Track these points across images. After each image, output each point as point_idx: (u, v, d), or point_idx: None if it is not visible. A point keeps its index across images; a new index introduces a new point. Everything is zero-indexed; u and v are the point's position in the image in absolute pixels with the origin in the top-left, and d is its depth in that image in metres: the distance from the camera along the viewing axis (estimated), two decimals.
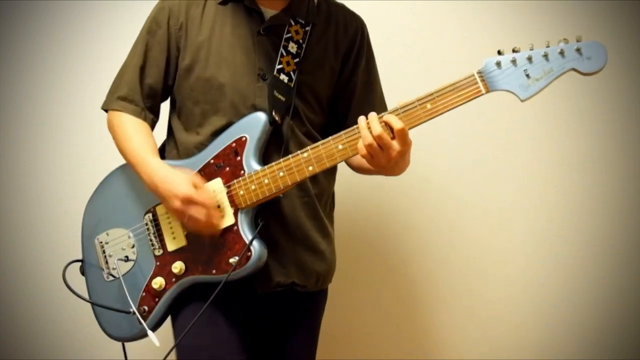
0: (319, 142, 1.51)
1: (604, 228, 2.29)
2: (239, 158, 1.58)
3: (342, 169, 1.83)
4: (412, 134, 2.04)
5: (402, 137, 1.42)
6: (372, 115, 1.44)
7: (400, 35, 2.29)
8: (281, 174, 1.53)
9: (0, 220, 2.36)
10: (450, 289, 2.35)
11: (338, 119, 1.73)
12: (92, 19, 2.31)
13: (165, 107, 1.77)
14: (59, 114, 2.34)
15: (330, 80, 1.70)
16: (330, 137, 1.50)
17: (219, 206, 1.56)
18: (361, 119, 1.45)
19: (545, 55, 1.34)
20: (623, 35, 2.23)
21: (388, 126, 1.42)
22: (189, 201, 1.50)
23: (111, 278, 1.70)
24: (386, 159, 1.44)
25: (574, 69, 1.33)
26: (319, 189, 1.70)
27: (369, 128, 1.43)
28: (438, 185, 2.33)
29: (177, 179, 1.52)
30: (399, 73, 2.19)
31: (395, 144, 1.43)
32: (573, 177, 2.29)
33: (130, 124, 1.67)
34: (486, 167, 2.32)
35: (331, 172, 1.76)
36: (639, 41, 2.24)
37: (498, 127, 2.31)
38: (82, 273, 1.78)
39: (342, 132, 1.49)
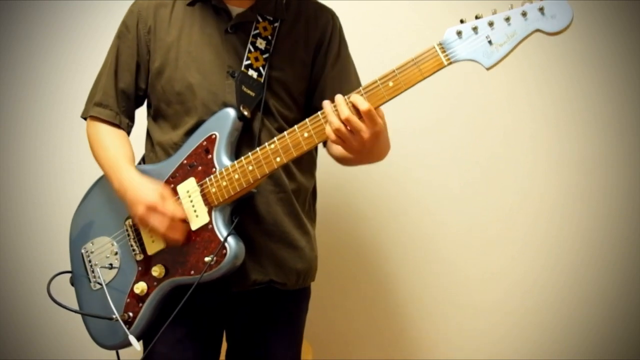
0: (285, 132, 1.41)
1: (604, 229, 2.18)
2: (210, 156, 1.50)
3: (327, 167, 1.73)
4: (407, 130, 1.94)
5: (370, 117, 1.28)
6: (339, 97, 1.31)
7: (400, 35, 2.21)
8: (250, 167, 1.43)
9: (3, 222, 2.36)
10: (444, 289, 2.27)
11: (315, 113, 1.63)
12: (93, 19, 2.30)
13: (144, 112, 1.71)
14: (58, 115, 2.33)
15: (302, 74, 1.60)
16: (295, 126, 1.39)
17: (184, 221, 1.49)
18: (326, 103, 1.33)
19: (507, 19, 1.19)
20: (624, 34, 2.14)
21: (355, 108, 1.29)
22: (152, 209, 1.44)
23: (98, 287, 1.63)
24: (359, 143, 1.31)
25: (539, 30, 1.17)
26: (295, 185, 1.60)
27: (336, 112, 1.30)
28: (430, 185, 2.25)
29: (145, 187, 1.47)
30: None
31: (365, 126, 1.29)
32: (573, 177, 2.19)
33: (105, 133, 1.62)
34: (484, 167, 2.23)
35: (309, 168, 1.66)
36: (639, 40, 2.15)
37: (497, 126, 2.22)
38: (72, 284, 1.71)
39: (307, 120, 1.38)
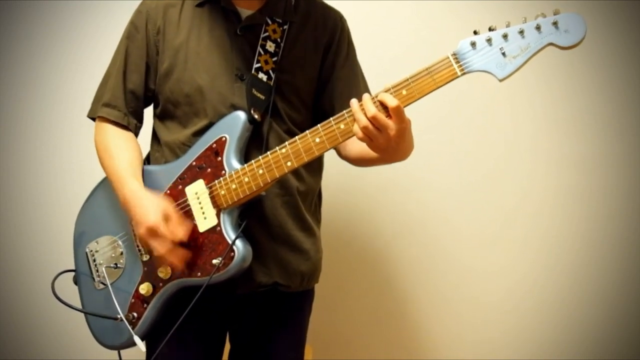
0: (297, 137, 1.44)
1: (604, 229, 2.21)
2: (219, 158, 1.52)
3: (331, 169, 1.76)
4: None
5: (398, 114, 1.32)
6: (366, 96, 1.34)
7: (400, 36, 2.24)
8: (260, 171, 1.46)
9: (3, 222, 2.37)
10: (445, 290, 2.30)
11: (323, 116, 1.65)
12: (93, 19, 2.30)
13: (149, 111, 1.73)
14: (58, 115, 2.33)
15: (311, 76, 1.63)
16: (307, 131, 1.43)
17: (188, 244, 1.51)
18: (353, 102, 1.36)
19: (521, 32, 1.23)
20: (624, 34, 2.18)
21: (383, 106, 1.33)
22: (154, 232, 1.45)
23: (102, 286, 1.65)
24: (385, 140, 1.34)
25: (552, 44, 1.21)
26: (303, 188, 1.63)
27: (362, 110, 1.34)
28: (432, 185, 2.28)
29: (148, 207, 1.47)
30: (399, 73, 2.15)
31: (392, 123, 1.33)
32: (573, 177, 2.22)
33: (113, 139, 1.62)
34: (485, 167, 2.26)
35: (317, 170, 1.69)
36: (639, 40, 2.18)
37: (497, 127, 2.25)
38: (76, 283, 1.73)
39: (319, 125, 1.42)
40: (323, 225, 1.75)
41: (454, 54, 1.30)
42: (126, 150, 1.60)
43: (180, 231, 1.47)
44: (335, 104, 1.63)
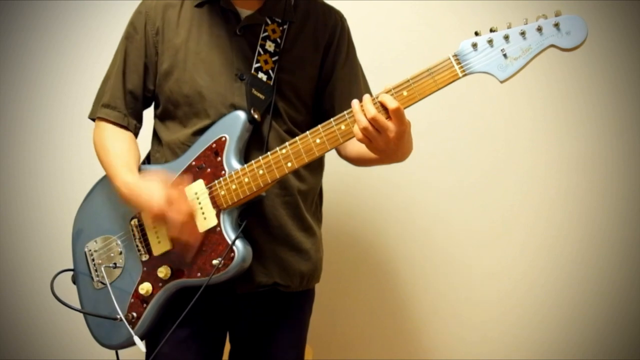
0: (297, 138, 1.43)
1: (604, 229, 2.21)
2: (219, 158, 1.52)
3: (331, 168, 1.76)
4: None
5: (398, 116, 1.31)
6: (366, 97, 1.34)
7: (400, 36, 2.24)
8: (261, 171, 1.46)
9: (3, 222, 2.37)
10: (445, 289, 2.30)
11: (323, 115, 1.65)
12: (93, 20, 2.30)
13: (149, 111, 1.72)
14: (57, 115, 2.34)
15: (311, 76, 1.63)
16: (308, 132, 1.42)
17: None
18: (354, 102, 1.35)
19: (523, 33, 1.22)
20: (624, 34, 2.17)
21: (383, 107, 1.32)
22: (160, 217, 1.46)
23: (101, 286, 1.65)
24: (384, 142, 1.34)
25: (553, 45, 1.21)
26: (304, 187, 1.62)
27: (363, 111, 1.33)
28: (432, 185, 2.28)
29: (150, 194, 1.47)
30: (399, 73, 2.15)
31: (392, 125, 1.32)
32: (573, 177, 2.22)
33: (111, 137, 1.62)
34: (485, 166, 2.26)
35: (317, 170, 1.69)
36: (639, 40, 2.18)
37: (497, 127, 2.25)
38: (74, 282, 1.73)
39: (320, 126, 1.41)
40: (324, 225, 1.75)
41: (455, 55, 1.29)
42: (122, 145, 1.60)
43: (184, 208, 1.47)
44: (335, 104, 1.62)
